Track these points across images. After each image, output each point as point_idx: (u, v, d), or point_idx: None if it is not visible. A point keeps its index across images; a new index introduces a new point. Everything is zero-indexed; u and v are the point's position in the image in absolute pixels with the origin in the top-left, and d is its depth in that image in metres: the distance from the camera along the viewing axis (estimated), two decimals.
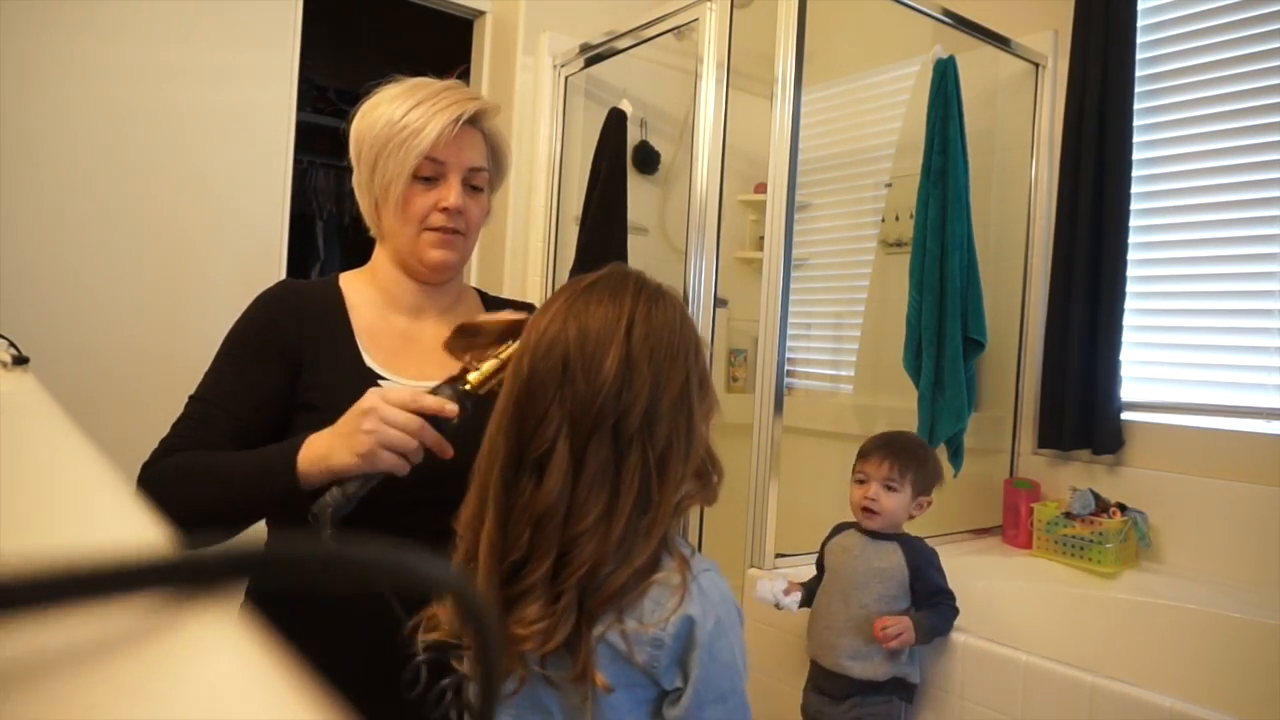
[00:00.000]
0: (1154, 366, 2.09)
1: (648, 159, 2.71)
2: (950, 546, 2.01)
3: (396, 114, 0.96)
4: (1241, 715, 1.21)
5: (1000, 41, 2.24)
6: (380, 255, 1.06)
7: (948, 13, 2.11)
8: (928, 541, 1.56)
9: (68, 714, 0.15)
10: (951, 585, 1.52)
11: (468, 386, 0.83)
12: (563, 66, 2.53)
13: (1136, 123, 2.06)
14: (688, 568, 0.71)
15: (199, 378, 0.98)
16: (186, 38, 2.09)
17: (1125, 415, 2.06)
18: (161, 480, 0.88)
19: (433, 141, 0.95)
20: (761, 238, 2.06)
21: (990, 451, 2.34)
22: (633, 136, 2.58)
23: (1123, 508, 2.00)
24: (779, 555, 1.80)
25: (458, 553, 0.74)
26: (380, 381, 0.96)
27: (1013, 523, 2.18)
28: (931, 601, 1.48)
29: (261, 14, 2.21)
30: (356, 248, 3.70)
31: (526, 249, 2.58)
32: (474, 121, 1.00)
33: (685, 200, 2.10)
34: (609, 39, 2.35)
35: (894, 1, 2.02)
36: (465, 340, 0.86)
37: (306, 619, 0.66)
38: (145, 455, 0.92)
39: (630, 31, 2.28)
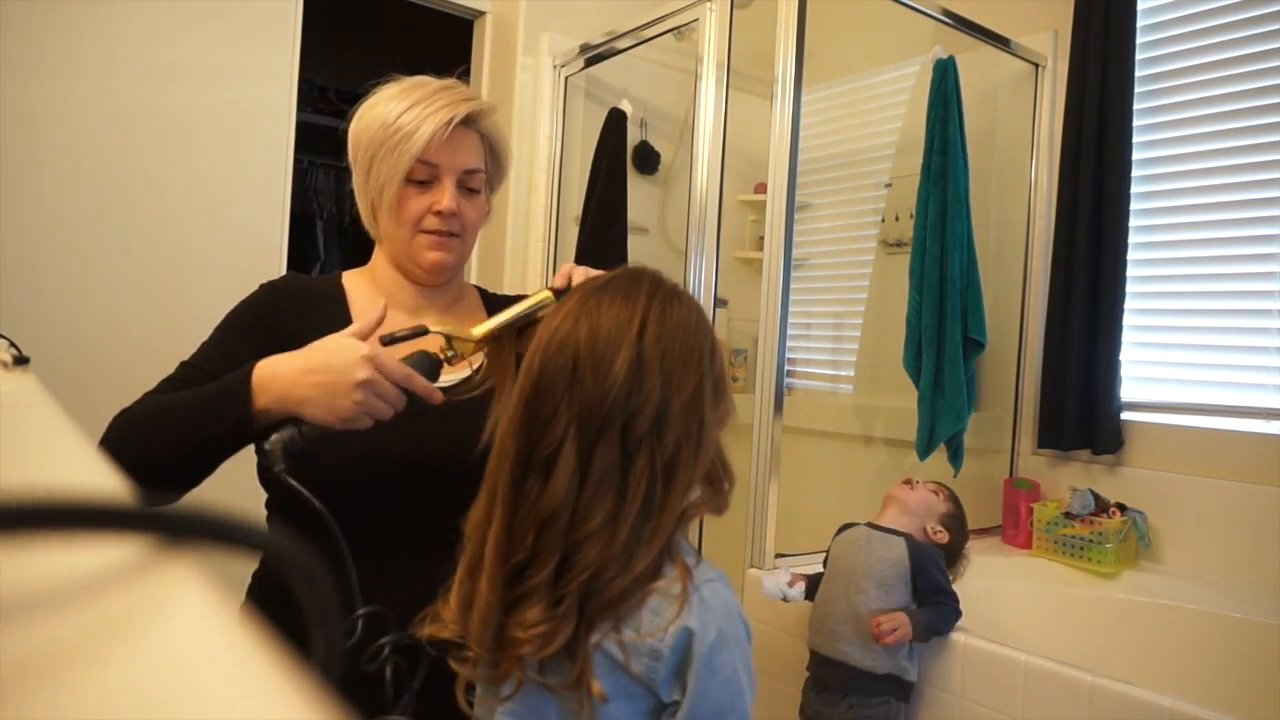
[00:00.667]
0: (1154, 366, 2.09)
1: (648, 159, 2.72)
2: None
3: (390, 116, 0.95)
4: (1241, 715, 1.21)
5: (1000, 41, 2.24)
6: (379, 256, 1.06)
7: (948, 13, 2.11)
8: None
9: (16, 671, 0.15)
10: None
11: (444, 356, 0.83)
12: (563, 66, 2.53)
13: (1136, 123, 2.07)
14: (690, 577, 0.68)
15: None
16: (187, 38, 2.09)
17: (1125, 415, 2.06)
18: (128, 415, 0.87)
19: (424, 145, 0.94)
20: (761, 238, 2.06)
21: (990, 451, 2.34)
22: (633, 136, 2.58)
23: (1122, 508, 2.00)
24: (779, 555, 1.80)
25: (465, 554, 0.73)
26: None
27: (1012, 523, 2.18)
28: (932, 600, 1.48)
29: (261, 14, 2.21)
30: (356, 248, 3.70)
31: (526, 249, 2.58)
32: (469, 122, 0.99)
33: (685, 200, 2.10)
34: (609, 39, 2.35)
35: (894, 1, 2.02)
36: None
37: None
38: None
39: (630, 32, 2.28)
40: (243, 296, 1.03)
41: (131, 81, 2.02)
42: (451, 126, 0.95)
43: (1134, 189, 2.06)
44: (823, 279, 2.85)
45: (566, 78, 2.54)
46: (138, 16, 2.01)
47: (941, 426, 2.08)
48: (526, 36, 2.54)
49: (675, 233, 2.70)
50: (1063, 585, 1.94)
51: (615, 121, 2.42)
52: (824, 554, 1.66)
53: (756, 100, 2.15)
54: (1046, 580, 1.97)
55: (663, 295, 0.72)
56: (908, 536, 1.55)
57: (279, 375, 0.81)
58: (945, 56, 2.15)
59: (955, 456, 2.16)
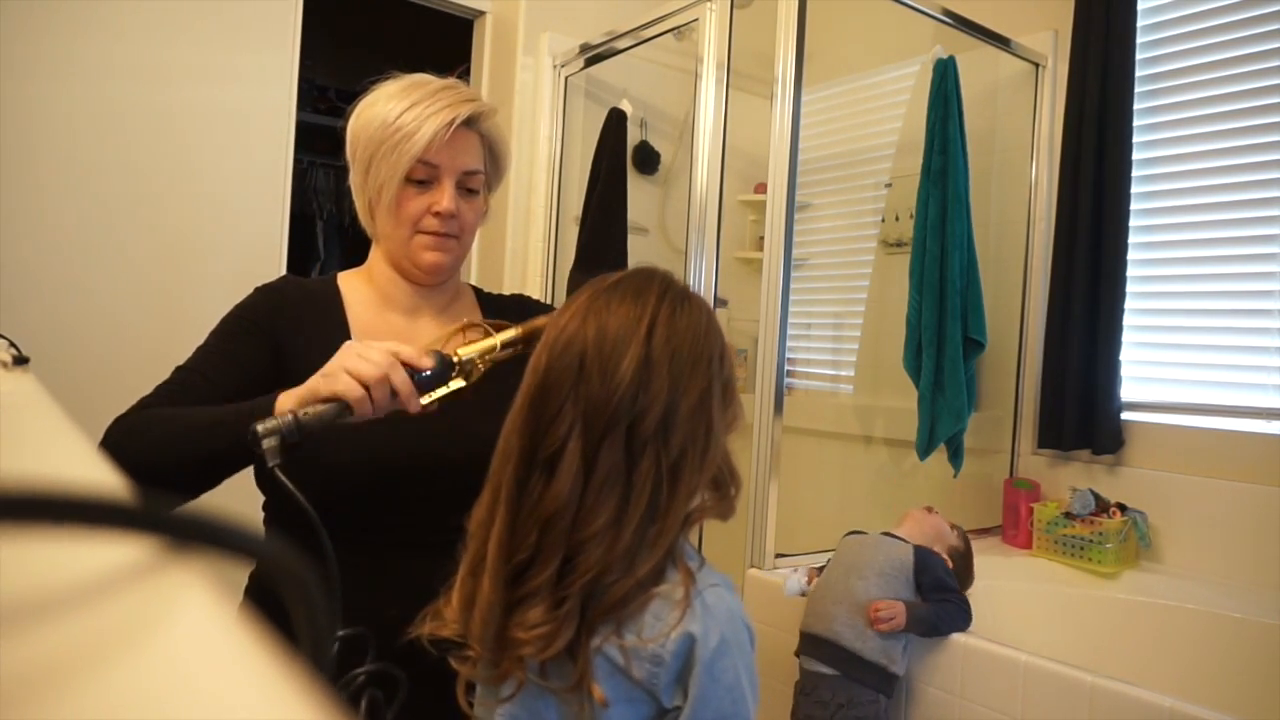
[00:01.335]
0: (1154, 366, 2.09)
1: (648, 159, 2.72)
2: None
3: (390, 115, 0.94)
4: (1241, 715, 1.21)
5: (1000, 41, 2.24)
6: (376, 255, 1.05)
7: (948, 13, 2.11)
8: None
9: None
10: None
11: (455, 357, 0.82)
12: (563, 66, 2.53)
13: (1136, 123, 2.07)
14: (693, 582, 0.67)
15: None
16: (186, 38, 2.09)
17: (1125, 415, 2.07)
18: (128, 427, 0.86)
19: (425, 145, 0.93)
20: (761, 238, 2.06)
21: (990, 451, 2.34)
22: (633, 136, 2.58)
23: (1123, 508, 2.00)
24: (779, 555, 1.80)
25: (467, 553, 0.73)
26: None
27: (1013, 523, 2.18)
28: (937, 597, 1.49)
29: (261, 14, 2.21)
30: (356, 248, 3.70)
31: (526, 249, 2.58)
32: (470, 123, 0.98)
33: (685, 200, 2.10)
34: (609, 39, 2.35)
35: (894, 1, 2.02)
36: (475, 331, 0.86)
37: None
38: None
39: (630, 31, 2.28)
40: (242, 296, 1.02)
41: (131, 81, 2.02)
42: (453, 127, 0.95)
43: (1134, 189, 2.06)
44: (823, 279, 2.85)
45: (566, 78, 2.54)
46: (137, 16, 2.01)
47: (941, 426, 2.08)
48: (526, 36, 2.54)
49: (675, 233, 2.70)
50: (1063, 585, 1.94)
51: (615, 121, 2.42)
52: (827, 554, 1.67)
53: (756, 100, 2.15)
54: (1046, 580, 1.97)
55: (673, 296, 0.71)
56: (915, 545, 1.57)
57: (295, 389, 0.81)
58: (945, 56, 2.15)
59: (955, 456, 2.16)
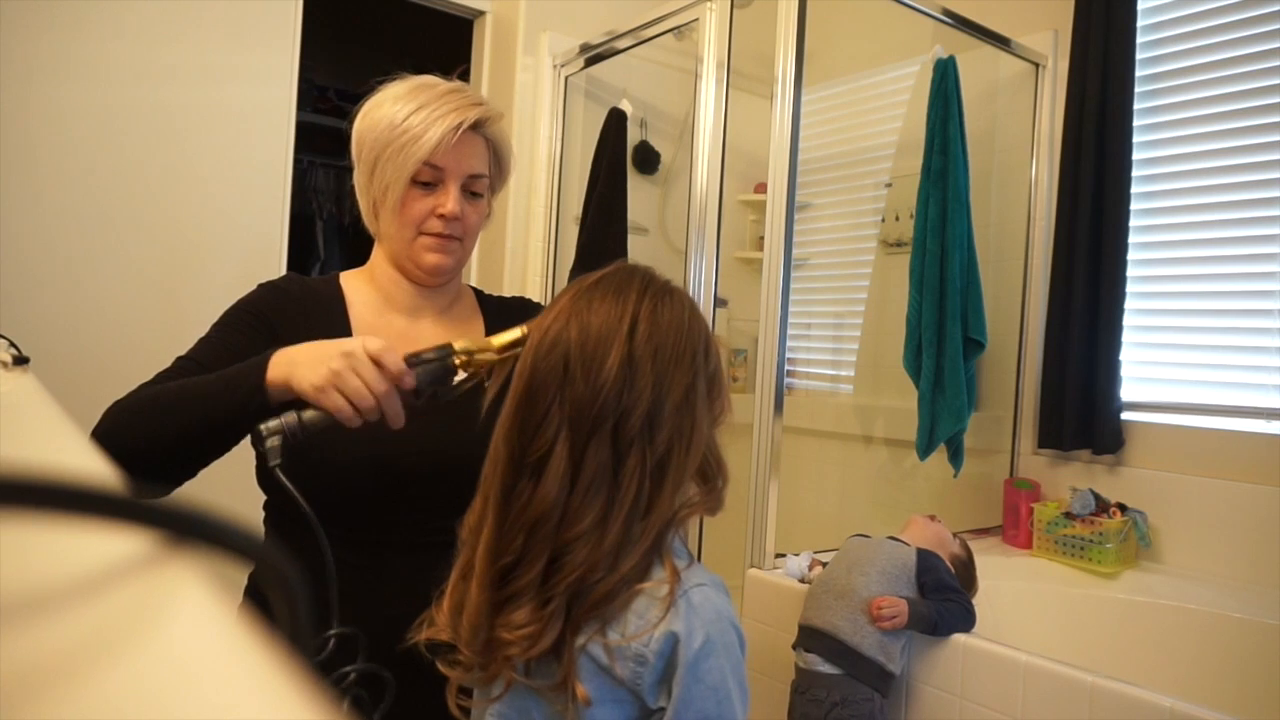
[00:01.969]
0: (1154, 366, 2.09)
1: (648, 159, 2.72)
2: None
3: (398, 116, 0.95)
4: (1242, 715, 1.21)
5: (1000, 41, 2.24)
6: (378, 255, 1.05)
7: (948, 13, 2.11)
8: None
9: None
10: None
11: (457, 361, 0.81)
12: (563, 66, 2.53)
13: (1136, 123, 2.07)
14: (678, 580, 0.67)
15: None
16: (186, 38, 2.09)
17: (1125, 415, 2.07)
18: (124, 404, 0.85)
19: (432, 148, 0.94)
20: (761, 238, 2.06)
21: (990, 451, 2.34)
22: (633, 136, 2.58)
23: (1123, 508, 2.00)
24: (779, 555, 1.80)
25: (459, 560, 0.73)
26: None
27: (1013, 523, 2.18)
28: (940, 597, 1.49)
29: (261, 14, 2.21)
30: (356, 248, 3.70)
31: (526, 249, 2.58)
32: (476, 127, 0.98)
33: (685, 200, 2.10)
34: (609, 39, 2.35)
35: (894, 1, 2.02)
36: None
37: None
38: None
39: (630, 31, 2.28)
40: (242, 296, 1.03)
41: (131, 81, 2.02)
42: (461, 131, 0.95)
43: (1134, 189, 2.06)
44: (823, 279, 2.85)
45: (566, 78, 2.54)
46: (137, 16, 2.01)
47: (941, 426, 2.08)
48: (526, 36, 2.54)
49: (675, 233, 2.70)
50: (1063, 585, 1.94)
51: (615, 121, 2.42)
52: (829, 553, 1.67)
53: (756, 100, 2.15)
54: (1047, 580, 1.97)
55: (654, 292, 0.71)
56: (918, 548, 1.58)
57: (289, 351, 0.81)
58: (945, 56, 2.14)
59: (955, 456, 2.16)
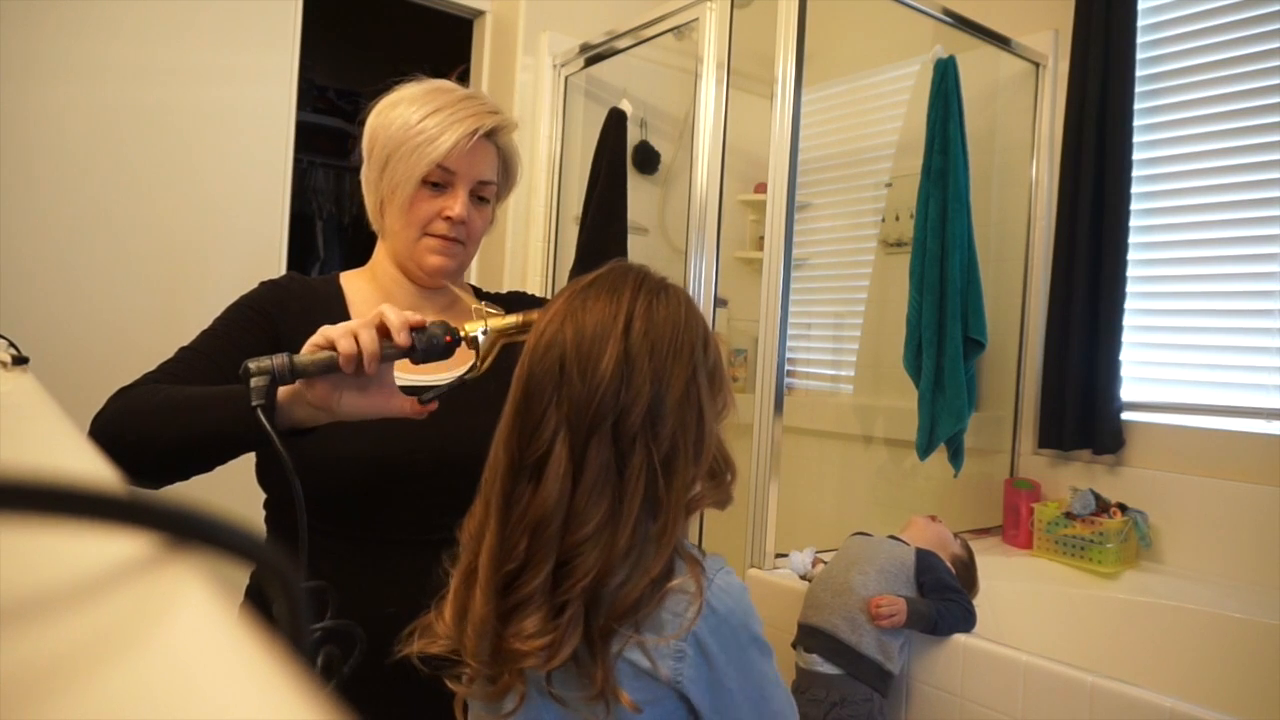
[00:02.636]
0: (1154, 366, 2.09)
1: (648, 159, 2.72)
2: None
3: (413, 118, 0.96)
4: (1242, 715, 1.21)
5: (1000, 41, 2.24)
6: (380, 253, 1.06)
7: (948, 12, 2.11)
8: None
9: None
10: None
11: (462, 333, 0.81)
12: (563, 66, 2.53)
13: (1136, 123, 2.07)
14: (702, 571, 0.68)
15: None
16: (186, 38, 2.09)
17: (1125, 415, 2.07)
18: (130, 397, 0.85)
19: (446, 151, 0.95)
20: (761, 238, 2.06)
21: (990, 451, 2.34)
22: (633, 136, 2.58)
23: (1123, 508, 2.00)
24: (779, 555, 1.80)
25: (459, 565, 0.72)
26: None
27: (1013, 523, 2.18)
28: (940, 597, 1.49)
29: (261, 14, 2.21)
30: (356, 248, 3.70)
31: (526, 249, 2.58)
32: (490, 135, 1.00)
33: (685, 200, 2.10)
34: (609, 39, 2.35)
35: (894, 1, 2.02)
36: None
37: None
38: None
39: (630, 31, 2.28)
40: (244, 293, 1.03)
41: (131, 81, 2.02)
42: (475, 137, 0.96)
43: (1134, 189, 2.06)
44: (823, 279, 2.85)
45: (566, 77, 2.54)
46: (137, 16, 2.01)
47: (941, 426, 2.08)
48: (526, 36, 2.54)
49: (675, 233, 2.70)
50: (1063, 585, 1.94)
51: (615, 121, 2.42)
52: (828, 553, 1.67)
53: (756, 100, 2.15)
54: (1047, 580, 1.97)
55: (648, 289, 0.71)
56: (918, 548, 1.58)
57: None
58: (945, 56, 2.15)
59: (955, 456, 2.16)
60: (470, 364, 0.84)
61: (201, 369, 0.91)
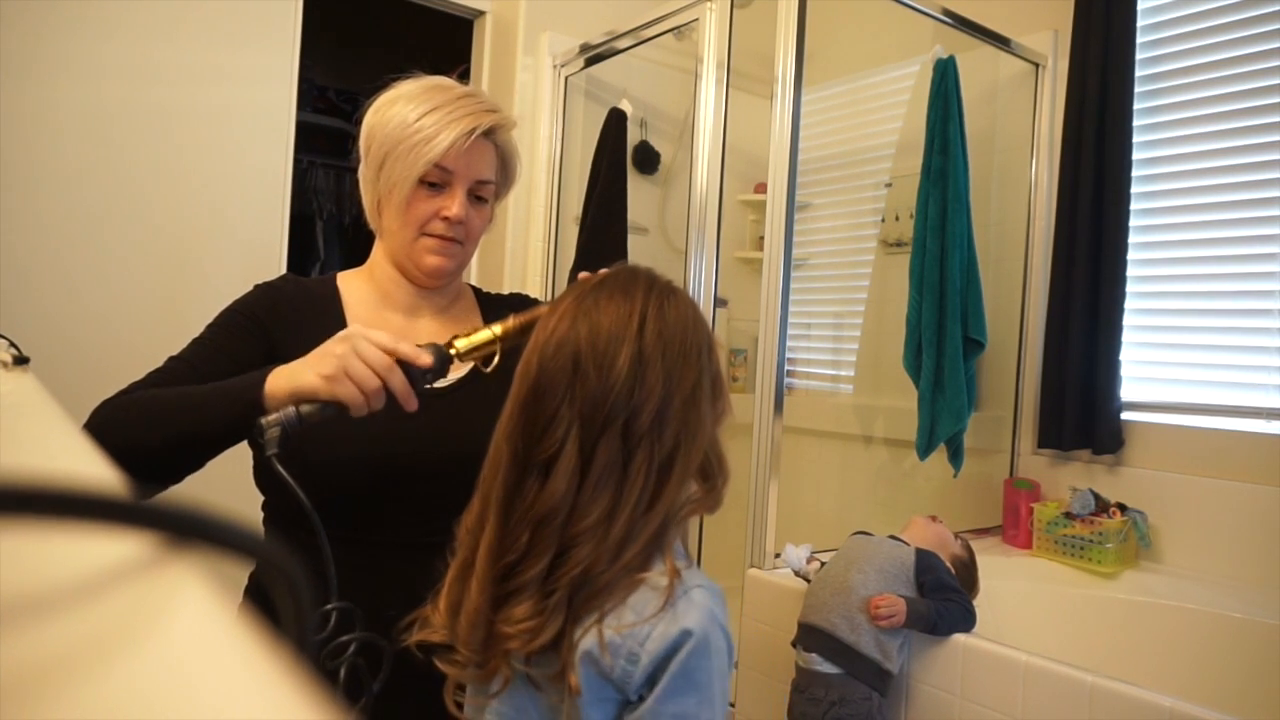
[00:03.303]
0: (1154, 366, 2.09)
1: (648, 159, 2.72)
2: None
3: (410, 116, 0.95)
4: (1242, 715, 1.21)
5: (1000, 41, 2.24)
6: (378, 253, 1.05)
7: (948, 13, 2.11)
8: None
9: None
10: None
11: (452, 350, 0.82)
12: (563, 66, 2.53)
13: (1136, 123, 2.07)
14: (679, 578, 0.67)
15: None
16: (186, 38, 2.09)
17: (1125, 415, 2.07)
18: (116, 404, 0.85)
19: (443, 151, 0.94)
20: (761, 238, 2.06)
21: (990, 451, 2.34)
22: (633, 136, 2.58)
23: (1123, 508, 2.00)
24: (779, 555, 1.80)
25: (456, 559, 0.73)
26: None
27: (1013, 523, 2.18)
28: (940, 597, 1.49)
29: (261, 14, 2.21)
30: (356, 248, 3.70)
31: (526, 249, 2.58)
32: (488, 134, 0.98)
33: (685, 200, 2.10)
34: (609, 39, 2.35)
35: (894, 1, 2.02)
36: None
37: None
38: None
39: (630, 31, 2.28)
40: (237, 298, 1.02)
41: (131, 81, 2.02)
42: (473, 136, 0.95)
43: (1134, 189, 2.06)
44: (823, 279, 2.85)
45: (566, 78, 2.54)
46: (137, 16, 2.01)
47: (941, 426, 2.08)
48: (526, 36, 2.54)
49: (675, 233, 2.70)
50: (1063, 585, 1.94)
51: (615, 121, 2.42)
52: (828, 553, 1.67)
53: (756, 100, 2.15)
54: (1046, 580, 1.97)
55: (660, 292, 0.72)
56: (918, 548, 1.58)
57: (280, 369, 0.81)
58: (945, 56, 2.15)
59: (955, 456, 2.16)
60: (468, 369, 0.84)
61: (185, 379, 0.91)
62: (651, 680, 0.66)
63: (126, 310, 2.02)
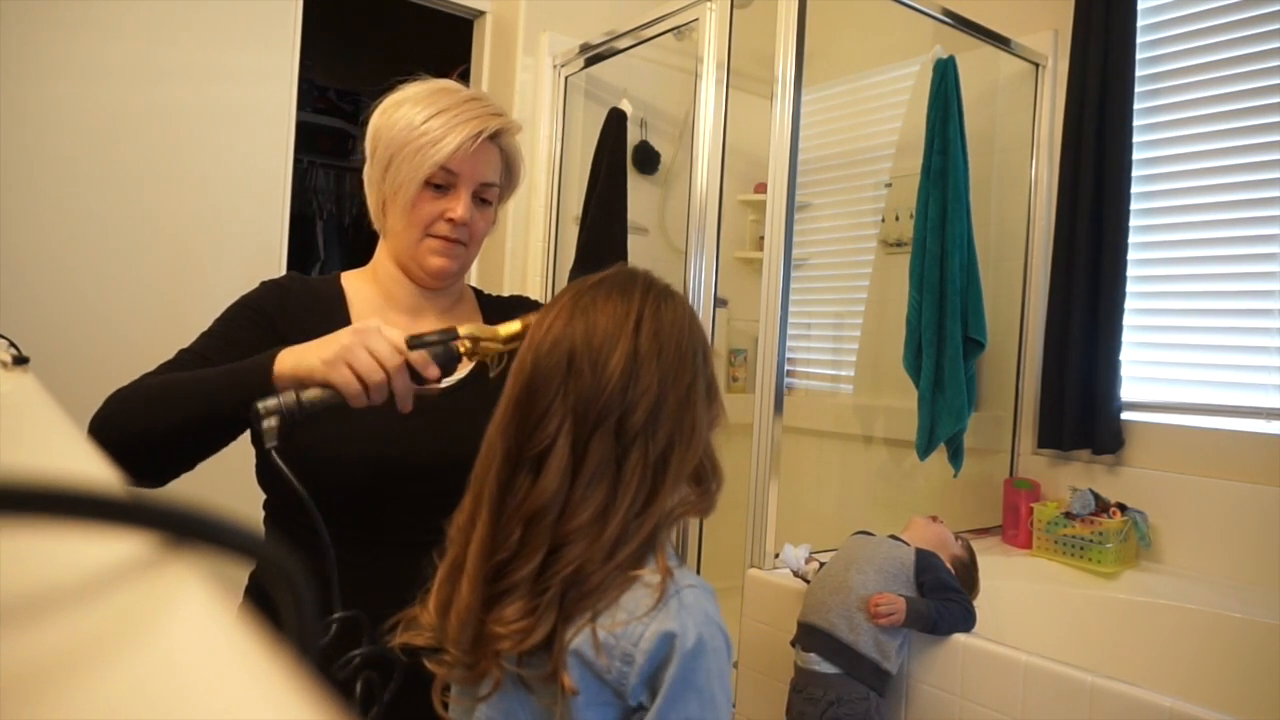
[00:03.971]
0: (1154, 366, 2.09)
1: (648, 159, 2.72)
2: None
3: (417, 118, 0.96)
4: (1242, 715, 1.21)
5: (1000, 41, 2.24)
6: (382, 253, 1.06)
7: (948, 13, 2.11)
8: None
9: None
10: None
11: (457, 342, 0.82)
12: (563, 66, 2.53)
13: (1136, 123, 2.07)
14: (671, 578, 0.67)
15: None
16: (186, 38, 2.09)
17: (1125, 415, 2.07)
18: (127, 392, 0.86)
19: (450, 153, 0.95)
20: (761, 238, 2.06)
21: (990, 451, 2.34)
22: (633, 136, 2.58)
23: (1123, 508, 2.00)
24: (778, 555, 1.80)
25: (446, 558, 0.73)
26: None
27: (1013, 523, 2.18)
28: (940, 597, 1.49)
29: (261, 14, 2.21)
30: (356, 248, 3.70)
31: (526, 249, 2.58)
32: (494, 138, 0.99)
33: (685, 200, 2.10)
34: (609, 39, 2.35)
35: (894, 1, 2.02)
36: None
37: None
38: None
39: (630, 31, 2.28)
40: (245, 293, 1.03)
41: (131, 81, 2.02)
42: (480, 139, 0.96)
43: (1134, 189, 2.06)
44: (823, 279, 2.85)
45: (566, 78, 2.54)
46: (137, 16, 2.01)
47: (941, 426, 2.08)
48: (526, 36, 2.54)
49: (675, 233, 2.70)
50: (1063, 585, 1.94)
51: (615, 121, 2.42)
52: (828, 553, 1.67)
53: (756, 100, 2.15)
54: (1046, 580, 1.97)
55: (656, 293, 0.73)
56: (918, 548, 1.58)
57: (296, 346, 0.82)
58: (945, 56, 2.15)
59: (955, 456, 2.16)
60: (469, 370, 0.84)
61: (200, 369, 0.91)
62: (650, 685, 0.66)
63: (127, 310, 2.02)
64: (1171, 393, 2.06)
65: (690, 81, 2.21)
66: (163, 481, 0.85)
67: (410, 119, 0.96)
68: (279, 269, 2.24)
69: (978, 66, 2.29)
